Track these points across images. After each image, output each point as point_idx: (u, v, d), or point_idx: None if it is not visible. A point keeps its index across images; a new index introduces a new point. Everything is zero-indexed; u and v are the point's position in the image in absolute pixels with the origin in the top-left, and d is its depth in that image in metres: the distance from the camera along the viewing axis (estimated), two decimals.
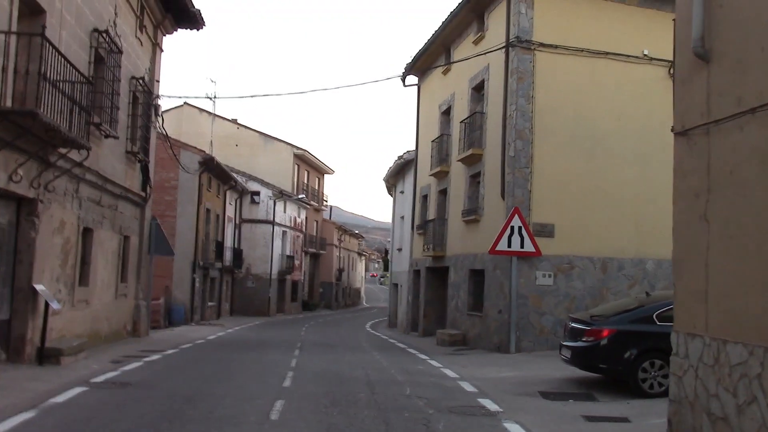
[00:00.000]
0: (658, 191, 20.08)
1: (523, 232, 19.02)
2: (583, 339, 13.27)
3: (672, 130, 8.54)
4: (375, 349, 22.45)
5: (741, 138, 7.05)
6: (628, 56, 20.39)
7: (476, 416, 10.69)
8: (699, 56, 7.73)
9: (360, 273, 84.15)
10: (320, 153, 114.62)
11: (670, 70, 20.37)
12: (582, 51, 20.18)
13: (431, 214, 27.94)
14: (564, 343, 13.89)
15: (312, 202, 58.25)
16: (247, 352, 19.84)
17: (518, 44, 19.81)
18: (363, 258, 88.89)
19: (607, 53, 20.32)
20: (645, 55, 20.41)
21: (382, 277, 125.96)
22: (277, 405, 10.78)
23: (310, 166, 59.17)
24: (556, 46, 20.00)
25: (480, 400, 12.07)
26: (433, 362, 17.90)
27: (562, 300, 19.68)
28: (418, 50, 28.06)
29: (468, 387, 13.53)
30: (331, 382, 13.75)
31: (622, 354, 12.75)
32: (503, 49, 20.26)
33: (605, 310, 14.37)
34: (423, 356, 19.67)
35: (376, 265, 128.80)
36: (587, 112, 20.14)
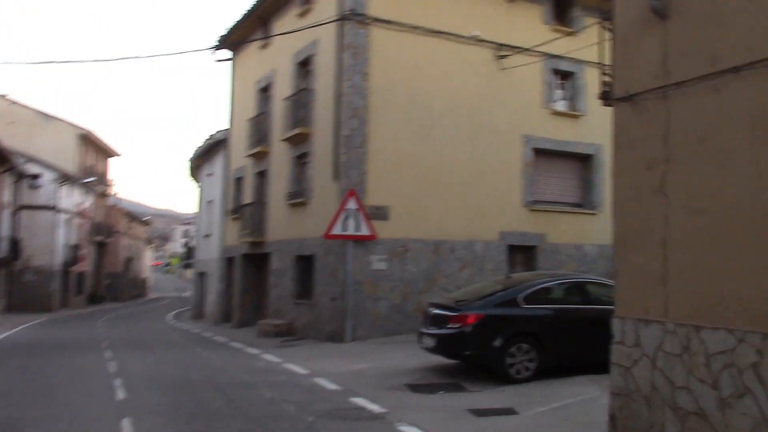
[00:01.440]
0: (486, 173, 19.72)
1: (359, 215, 17.78)
2: (449, 326, 12.22)
3: (604, 97, 7.60)
4: (196, 345, 20.25)
5: (717, 102, 6.16)
6: (461, 37, 19.73)
7: (363, 420, 9.42)
8: (656, 12, 6.77)
9: (147, 262, 79.22)
10: (113, 134, 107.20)
11: (497, 52, 20.05)
12: (417, 28, 19.23)
13: (248, 197, 25.92)
14: (425, 331, 12.77)
15: (101, 187, 53.40)
16: (48, 357, 16.97)
17: (353, 17, 18.45)
18: (150, 246, 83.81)
19: (441, 32, 19.53)
20: (474, 36, 19.85)
21: (167, 265, 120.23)
22: (125, 427, 8.73)
23: (97, 148, 54.19)
24: (391, 22, 18.88)
25: (353, 399, 10.72)
26: (270, 357, 16.19)
27: (396, 284, 18.67)
28: (233, 22, 25.78)
29: (329, 384, 12.09)
30: (171, 389, 11.74)
31: (490, 340, 11.89)
32: (335, 23, 18.78)
33: (466, 294, 13.45)
34: (253, 350, 17.86)
35: (161, 253, 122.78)
36: (422, 92, 19.25)
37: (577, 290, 12.90)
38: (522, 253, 20.63)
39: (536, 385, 11.50)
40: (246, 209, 25.37)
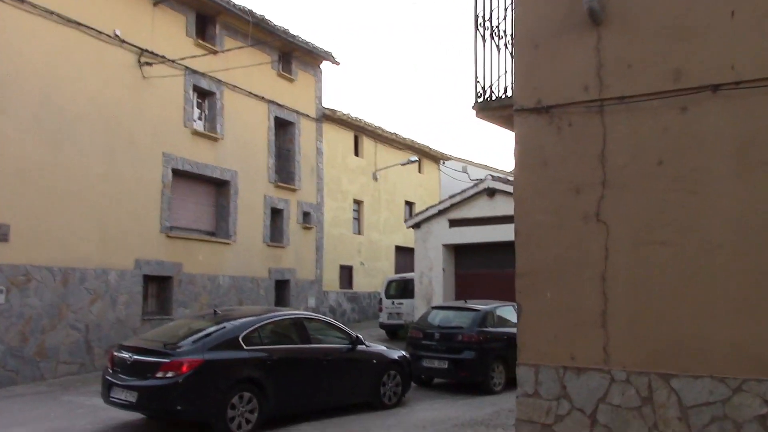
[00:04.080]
0: (123, 192, 16.83)
1: None
2: (157, 375, 9.52)
3: (480, 107, 6.33)
4: None
5: (683, 121, 5.38)
6: (102, 33, 16.55)
7: None
8: (592, 15, 5.77)
9: None
10: None
11: (140, 58, 17.36)
12: (52, 14, 15.54)
13: None
14: (119, 383, 9.81)
15: None
16: None
17: None
18: None
19: (80, 24, 16.11)
20: (117, 36, 16.87)
21: None
22: None
23: None
24: (24, 1, 14.96)
25: None
26: None
27: (15, 322, 14.55)
28: None
29: None
30: None
31: (211, 390, 9.61)
32: None
33: (168, 335, 10.72)
34: None
35: None
36: (57, 92, 15.52)
37: (296, 328, 11.21)
38: (157, 284, 17.92)
39: None
40: None
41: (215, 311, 11.23)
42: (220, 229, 19.72)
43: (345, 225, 24.31)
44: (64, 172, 15.48)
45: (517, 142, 6.14)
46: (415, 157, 25.67)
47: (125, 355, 9.95)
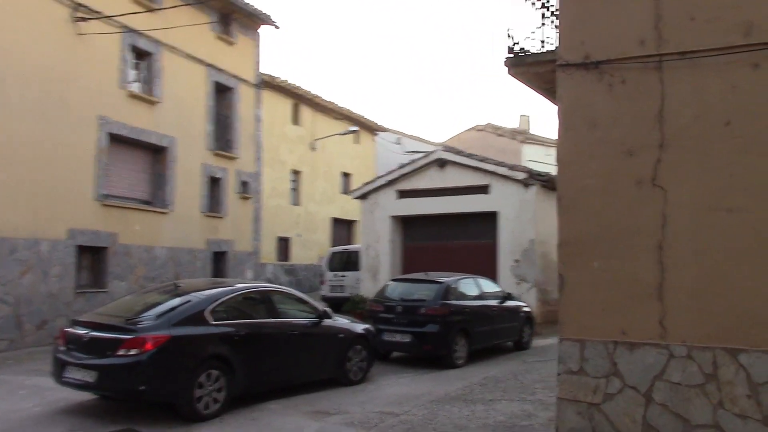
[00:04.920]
0: (57, 157, 15.52)
1: None
2: (119, 353, 8.60)
3: (512, 63, 5.75)
4: None
5: (755, 79, 4.94)
6: None
7: None
8: None
9: None
10: None
11: (73, 13, 15.95)
12: None
13: None
14: (74, 361, 8.84)
15: None
16: None
17: None
18: None
19: None
20: None
21: None
22: None
23: None
24: None
25: None
26: None
27: None
28: None
29: None
30: None
31: (177, 368, 8.81)
32: None
33: (127, 309, 9.74)
34: None
35: None
36: None
37: (262, 301, 10.42)
38: (91, 256, 16.65)
39: (233, 420, 8.83)
40: None
41: (175, 284, 10.31)
42: (156, 198, 18.54)
43: (283, 196, 23.41)
44: None
45: (561, 101, 5.58)
46: (355, 127, 24.93)
47: (81, 331, 8.96)
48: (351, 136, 26.05)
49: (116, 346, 8.54)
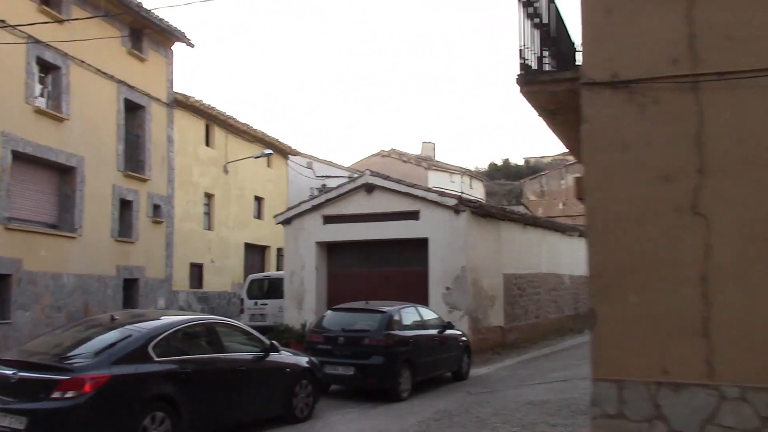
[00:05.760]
0: None
1: None
2: (53, 396, 7.56)
3: (524, 81, 5.31)
4: None
5: None
6: None
7: None
8: None
9: None
10: None
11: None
12: None
13: None
14: (1, 406, 7.72)
15: None
16: None
17: None
18: None
19: None
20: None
21: None
22: None
23: None
24: None
25: None
26: None
27: None
28: None
29: None
30: None
31: (119, 412, 7.90)
32: None
33: (57, 345, 8.63)
34: None
35: None
36: None
37: (207, 334, 9.50)
38: None
39: None
40: None
41: (112, 316, 9.25)
42: (63, 221, 17.07)
43: (195, 220, 22.20)
44: None
45: (586, 121, 5.14)
46: (270, 150, 24.06)
47: (6, 371, 7.83)
48: (263, 159, 25.16)
49: (50, 388, 7.53)
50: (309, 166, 30.31)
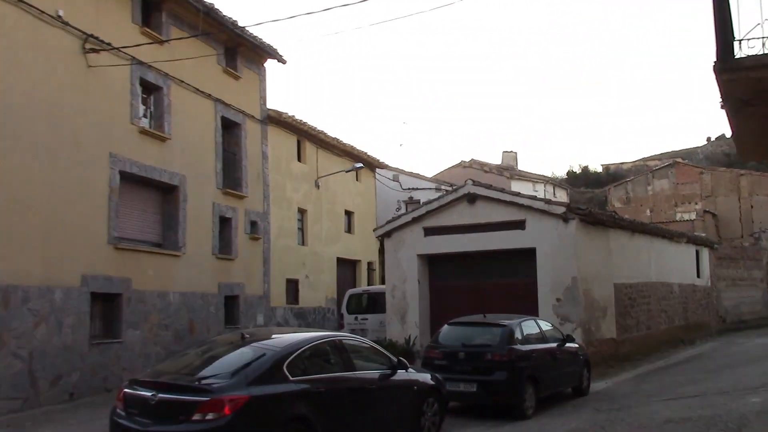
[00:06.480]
0: (68, 198, 14.14)
1: None
2: (194, 418, 7.34)
3: (731, 102, 4.77)
4: None
5: None
6: (42, 12, 13.81)
7: None
8: None
9: None
10: None
11: (84, 44, 14.72)
12: None
13: None
14: (142, 429, 7.54)
15: None
16: None
17: None
18: None
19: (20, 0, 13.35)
20: (59, 16, 14.17)
21: None
22: None
23: None
24: None
25: None
26: None
27: None
28: None
29: None
30: None
31: None
32: None
33: (193, 365, 8.47)
34: None
35: None
36: None
37: (337, 352, 9.18)
38: (103, 303, 15.14)
39: None
40: None
41: (243, 334, 9.04)
42: (168, 239, 17.17)
43: (290, 235, 22.14)
44: (3, 173, 12.73)
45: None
46: (360, 164, 23.88)
47: (145, 393, 7.67)
48: (352, 173, 25.00)
49: (190, 410, 7.31)
50: (395, 179, 30.05)
